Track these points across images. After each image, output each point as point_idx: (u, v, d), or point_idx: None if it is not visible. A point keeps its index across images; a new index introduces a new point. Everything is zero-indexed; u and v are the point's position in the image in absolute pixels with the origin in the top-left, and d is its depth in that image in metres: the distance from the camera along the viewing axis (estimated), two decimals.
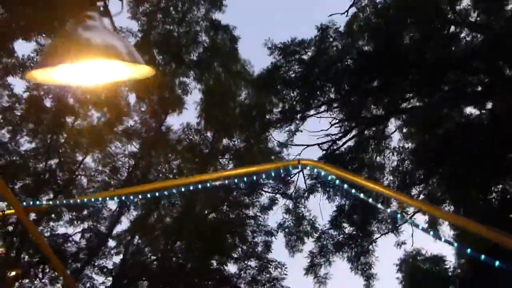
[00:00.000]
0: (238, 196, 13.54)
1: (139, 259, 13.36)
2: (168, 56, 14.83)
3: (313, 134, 12.18)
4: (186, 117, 16.62)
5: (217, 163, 15.83)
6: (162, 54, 14.86)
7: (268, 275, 12.19)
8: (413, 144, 12.93)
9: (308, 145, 12.75)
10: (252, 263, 12.46)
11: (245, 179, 2.88)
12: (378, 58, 10.58)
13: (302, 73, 11.57)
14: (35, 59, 11.90)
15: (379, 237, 12.33)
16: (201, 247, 11.96)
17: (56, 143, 13.95)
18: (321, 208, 12.14)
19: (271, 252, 12.74)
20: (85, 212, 13.48)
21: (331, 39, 11.52)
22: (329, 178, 2.51)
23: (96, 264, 13.49)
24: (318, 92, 11.77)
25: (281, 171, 2.79)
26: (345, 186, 2.62)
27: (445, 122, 11.43)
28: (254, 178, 2.85)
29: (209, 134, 15.81)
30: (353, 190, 2.63)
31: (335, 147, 12.41)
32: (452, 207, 11.64)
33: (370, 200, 2.66)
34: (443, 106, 11.01)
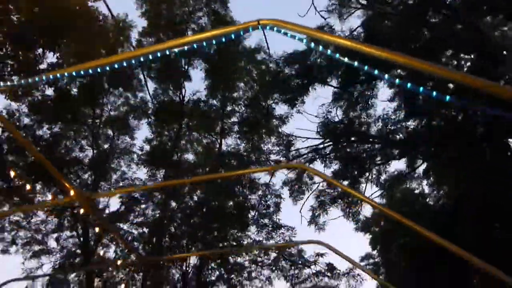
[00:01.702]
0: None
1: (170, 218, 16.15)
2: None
3: None
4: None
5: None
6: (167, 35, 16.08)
7: (280, 236, 15.24)
8: None
9: None
10: (266, 220, 15.40)
11: (213, 41, 2.93)
12: None
13: None
14: None
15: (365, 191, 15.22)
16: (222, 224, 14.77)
17: None
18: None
19: (280, 211, 15.67)
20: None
21: None
22: (289, 35, 2.55)
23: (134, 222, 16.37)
24: None
25: (241, 33, 2.77)
26: (306, 41, 2.72)
27: None
28: (214, 42, 2.94)
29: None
30: (317, 46, 2.84)
31: None
32: None
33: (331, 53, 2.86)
34: None
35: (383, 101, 15.94)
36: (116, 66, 3.28)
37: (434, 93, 2.64)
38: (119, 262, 12.53)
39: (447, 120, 14.71)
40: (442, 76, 2.45)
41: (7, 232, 15.20)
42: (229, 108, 17.71)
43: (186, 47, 3.12)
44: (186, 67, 17.01)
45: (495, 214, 11.79)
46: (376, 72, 2.71)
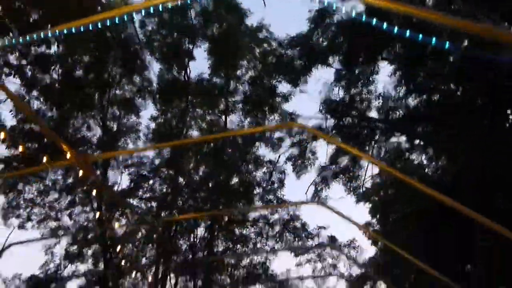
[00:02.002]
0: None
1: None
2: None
3: None
4: None
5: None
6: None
7: (284, 211, 15.94)
8: None
9: None
10: (271, 196, 16.07)
11: None
12: None
13: None
14: None
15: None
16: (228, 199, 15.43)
17: None
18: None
19: (284, 187, 16.30)
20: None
21: None
22: None
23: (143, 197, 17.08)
24: None
25: None
26: None
27: None
28: None
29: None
30: None
31: None
32: None
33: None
34: None
35: (384, 77, 16.25)
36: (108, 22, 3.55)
37: (434, 39, 2.79)
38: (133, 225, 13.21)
39: (446, 96, 15.06)
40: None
41: (22, 209, 15.88)
42: (232, 86, 18.03)
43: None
44: (190, 46, 17.21)
45: (497, 184, 12.10)
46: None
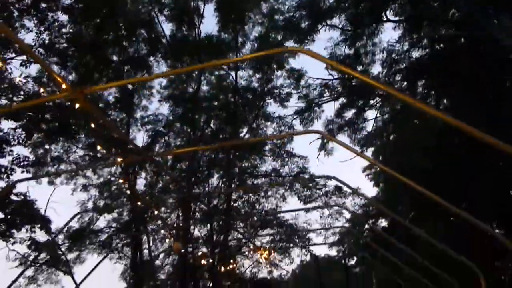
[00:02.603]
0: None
1: None
2: None
3: None
4: None
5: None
6: None
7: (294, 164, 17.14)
8: None
9: None
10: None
11: None
12: None
13: None
14: None
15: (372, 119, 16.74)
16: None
17: None
18: None
19: (293, 141, 17.36)
20: None
21: None
22: None
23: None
24: None
25: None
26: None
27: None
28: None
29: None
30: None
31: None
32: None
33: None
34: None
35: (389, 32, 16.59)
36: None
37: None
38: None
39: (451, 43, 15.51)
40: None
41: (50, 166, 17.13)
42: (240, 41, 18.50)
43: None
44: (198, 3, 17.49)
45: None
46: None
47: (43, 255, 13.34)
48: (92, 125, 12.07)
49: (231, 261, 17.65)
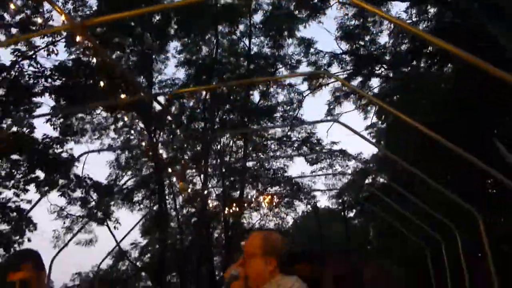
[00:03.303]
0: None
1: None
2: None
3: None
4: None
5: None
6: None
7: (302, 129, 18.37)
8: None
9: None
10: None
11: None
12: None
13: None
14: None
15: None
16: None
17: None
18: None
19: (302, 107, 18.50)
20: None
21: None
22: None
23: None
24: None
25: None
26: None
27: None
28: None
29: None
30: None
31: None
32: None
33: None
34: None
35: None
36: None
37: None
38: None
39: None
40: None
41: (75, 126, 18.43)
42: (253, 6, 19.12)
43: None
44: None
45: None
46: None
47: (78, 208, 15.01)
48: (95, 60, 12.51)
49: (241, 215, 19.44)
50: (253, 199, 18.95)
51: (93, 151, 15.32)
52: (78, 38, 4.89)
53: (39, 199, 10.57)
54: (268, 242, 2.22)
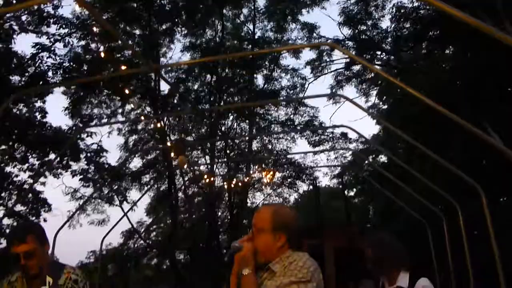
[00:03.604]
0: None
1: None
2: None
3: None
4: None
5: None
6: None
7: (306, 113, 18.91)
8: None
9: None
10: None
11: None
12: None
13: None
14: None
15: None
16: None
17: None
18: None
19: (305, 90, 18.97)
20: None
21: None
22: None
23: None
24: None
25: None
26: None
27: None
28: None
29: None
30: None
31: None
32: None
33: None
34: None
35: None
36: None
37: None
38: None
39: None
40: None
41: (84, 110, 18.95)
42: None
43: None
44: None
45: None
46: None
47: (91, 189, 15.67)
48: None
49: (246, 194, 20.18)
50: (256, 172, 19.41)
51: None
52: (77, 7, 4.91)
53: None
54: (278, 217, 2.15)
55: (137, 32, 18.25)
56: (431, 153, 5.80)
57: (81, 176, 14.13)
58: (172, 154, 9.09)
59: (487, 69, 11.67)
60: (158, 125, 17.09)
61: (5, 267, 2.72)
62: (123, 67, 9.57)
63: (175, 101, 18.79)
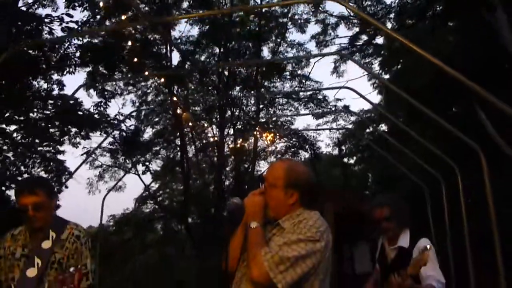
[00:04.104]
0: None
1: None
2: None
3: None
4: None
5: None
6: None
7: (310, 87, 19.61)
8: None
9: None
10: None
11: None
12: None
13: None
14: None
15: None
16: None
17: None
18: None
19: (309, 65, 19.62)
20: None
21: None
22: None
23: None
24: None
25: None
26: None
27: None
28: None
29: None
30: None
31: None
32: None
33: None
34: None
35: None
36: None
37: None
38: None
39: None
40: None
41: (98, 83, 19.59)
42: None
43: None
44: None
45: None
46: None
47: (108, 158, 16.73)
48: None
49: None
50: (260, 140, 20.12)
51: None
52: None
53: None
54: (291, 174, 2.09)
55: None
56: (434, 115, 5.63)
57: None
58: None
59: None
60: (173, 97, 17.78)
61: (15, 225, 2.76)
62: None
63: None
